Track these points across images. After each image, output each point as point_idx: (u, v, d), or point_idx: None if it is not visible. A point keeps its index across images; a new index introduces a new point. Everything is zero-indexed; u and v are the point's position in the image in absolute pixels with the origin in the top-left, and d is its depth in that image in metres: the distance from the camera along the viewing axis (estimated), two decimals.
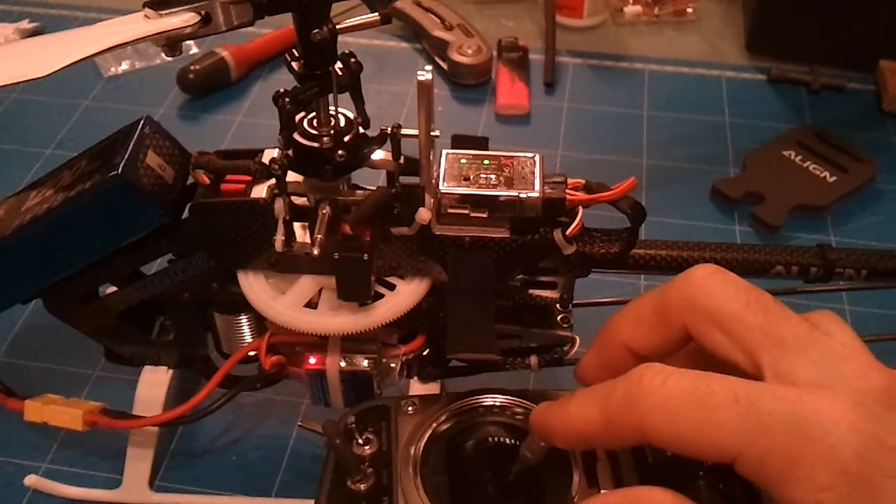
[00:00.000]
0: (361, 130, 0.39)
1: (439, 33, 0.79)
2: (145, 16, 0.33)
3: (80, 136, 0.72)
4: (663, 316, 0.32)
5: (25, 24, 0.83)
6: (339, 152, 0.37)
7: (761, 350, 0.29)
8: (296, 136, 0.38)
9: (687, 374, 0.28)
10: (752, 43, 0.82)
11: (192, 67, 0.76)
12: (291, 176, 0.39)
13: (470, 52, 0.77)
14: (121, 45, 0.32)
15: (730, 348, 0.30)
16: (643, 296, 0.33)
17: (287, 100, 0.36)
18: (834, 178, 0.67)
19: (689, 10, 0.86)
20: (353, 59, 0.37)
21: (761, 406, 0.27)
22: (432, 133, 0.37)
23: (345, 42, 0.36)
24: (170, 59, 0.79)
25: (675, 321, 0.31)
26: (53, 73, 0.31)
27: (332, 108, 0.38)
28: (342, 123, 0.38)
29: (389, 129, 0.39)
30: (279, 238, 0.39)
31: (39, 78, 0.32)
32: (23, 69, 0.32)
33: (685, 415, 0.27)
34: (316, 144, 0.37)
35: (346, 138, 0.38)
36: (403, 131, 0.38)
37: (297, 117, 0.38)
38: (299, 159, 0.38)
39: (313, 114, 0.38)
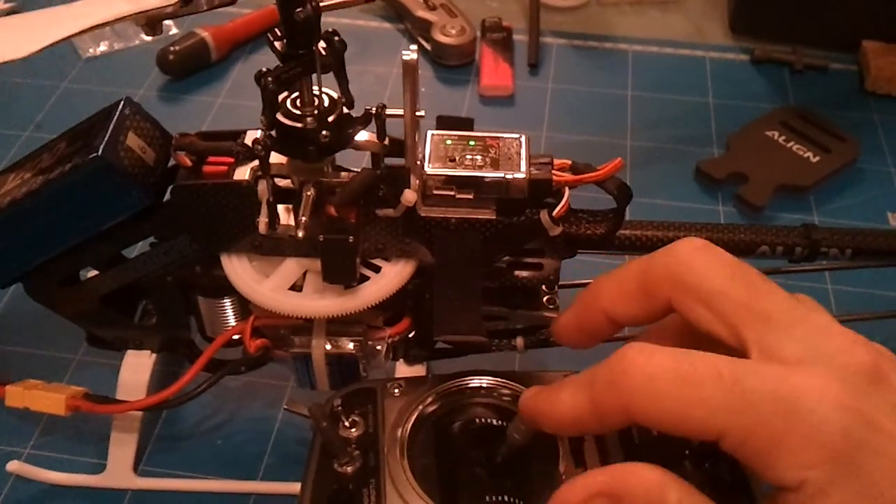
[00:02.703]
0: (345, 110, 0.38)
1: (422, 13, 0.79)
2: None
3: (59, 117, 0.70)
4: (646, 288, 0.32)
5: (1, 5, 0.82)
6: (324, 133, 0.37)
7: (745, 326, 0.29)
8: (279, 116, 0.37)
9: (670, 352, 0.28)
10: (735, 23, 0.82)
11: (171, 48, 0.74)
12: (275, 157, 0.39)
13: (453, 32, 0.77)
14: (102, 24, 0.31)
15: (714, 324, 0.30)
16: (627, 265, 0.33)
17: (270, 79, 0.35)
18: (817, 159, 0.67)
19: None
20: (336, 38, 0.36)
21: (745, 383, 0.27)
22: (418, 113, 0.36)
23: (326, 22, 0.35)
24: (149, 39, 0.79)
25: (658, 295, 0.31)
26: (33, 54, 0.31)
27: (315, 88, 0.37)
28: (326, 103, 0.38)
29: (374, 109, 0.38)
30: (262, 220, 0.39)
31: (19, 59, 0.31)
32: (1, 50, 0.31)
33: (669, 393, 0.27)
34: (299, 125, 0.37)
35: (330, 118, 0.37)
36: (388, 111, 0.38)
37: (280, 97, 0.37)
38: (283, 140, 0.38)
39: (296, 94, 0.37)
